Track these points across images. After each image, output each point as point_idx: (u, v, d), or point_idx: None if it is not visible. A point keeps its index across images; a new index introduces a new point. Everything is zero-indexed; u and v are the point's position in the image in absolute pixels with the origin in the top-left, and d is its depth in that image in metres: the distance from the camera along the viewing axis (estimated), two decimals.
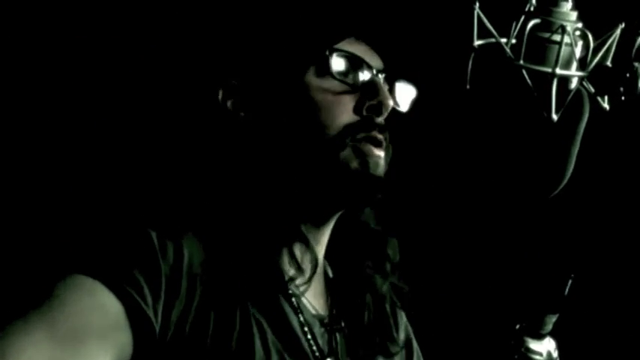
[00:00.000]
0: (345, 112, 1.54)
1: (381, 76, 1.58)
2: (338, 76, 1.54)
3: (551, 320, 1.50)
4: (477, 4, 1.33)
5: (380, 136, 1.55)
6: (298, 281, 1.54)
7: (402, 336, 1.71)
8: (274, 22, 1.60)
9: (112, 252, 1.41)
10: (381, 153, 1.55)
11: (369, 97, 1.55)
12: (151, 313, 1.38)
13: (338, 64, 1.55)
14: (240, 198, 1.53)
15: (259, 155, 1.54)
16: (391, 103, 1.55)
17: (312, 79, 1.56)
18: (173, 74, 2.10)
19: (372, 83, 1.56)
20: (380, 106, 1.55)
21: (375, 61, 1.59)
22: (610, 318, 2.24)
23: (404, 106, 1.61)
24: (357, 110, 1.55)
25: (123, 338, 1.37)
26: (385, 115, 1.55)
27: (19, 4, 2.18)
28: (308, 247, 1.57)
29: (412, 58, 1.63)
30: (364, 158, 1.53)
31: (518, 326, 1.52)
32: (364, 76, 1.56)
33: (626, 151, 2.23)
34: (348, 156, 1.53)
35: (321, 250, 1.61)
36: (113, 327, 1.37)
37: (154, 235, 1.42)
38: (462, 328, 2.41)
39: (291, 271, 1.54)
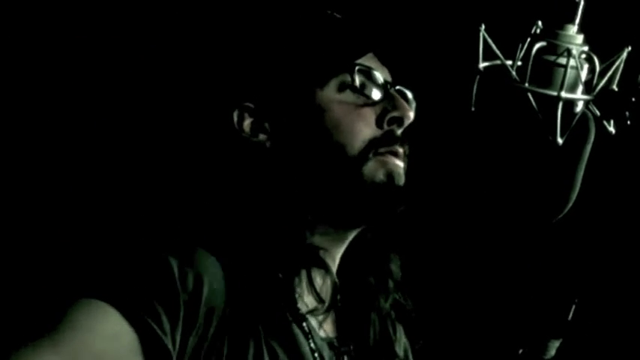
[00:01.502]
0: (367, 126, 1.54)
1: (396, 88, 1.58)
2: (359, 91, 1.54)
3: (554, 345, 1.50)
4: (483, 26, 1.33)
5: (401, 150, 1.55)
6: (319, 310, 1.53)
7: (402, 353, 1.71)
8: (290, 38, 1.59)
9: (130, 278, 1.39)
10: (401, 164, 1.55)
11: (390, 109, 1.55)
12: (168, 342, 1.37)
13: (359, 78, 1.55)
14: (258, 222, 1.52)
15: (280, 178, 1.53)
16: (412, 115, 1.56)
17: (331, 94, 1.55)
18: (188, 96, 2.10)
19: (391, 96, 1.56)
20: (402, 118, 1.55)
21: (387, 75, 1.60)
22: (614, 343, 2.24)
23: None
24: (378, 123, 1.55)
25: None
26: (406, 125, 1.56)
27: (19, 4, 2.19)
28: (328, 272, 1.56)
29: (418, 78, 1.63)
30: (389, 170, 1.53)
31: (520, 351, 1.51)
32: (381, 89, 1.57)
33: (632, 175, 2.23)
34: (372, 169, 1.53)
35: (335, 271, 1.60)
36: (129, 354, 1.35)
37: (174, 262, 1.40)
38: (466, 351, 2.40)
39: (309, 299, 1.53)
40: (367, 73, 1.56)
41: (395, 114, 1.55)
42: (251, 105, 1.56)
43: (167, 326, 1.36)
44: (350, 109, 1.54)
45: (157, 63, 2.25)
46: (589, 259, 2.10)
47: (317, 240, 1.55)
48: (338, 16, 1.61)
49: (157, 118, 2.25)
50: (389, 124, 1.55)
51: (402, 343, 1.72)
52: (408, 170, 1.59)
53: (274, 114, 1.56)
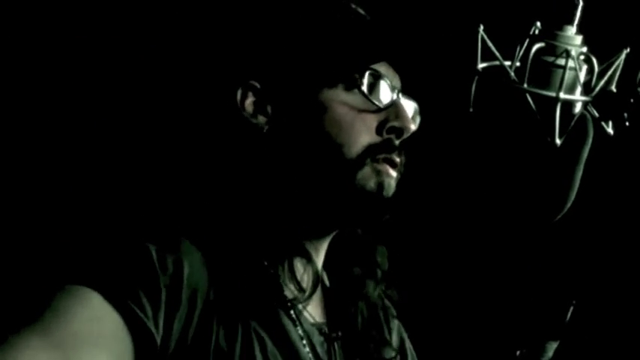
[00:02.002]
0: (367, 131, 1.54)
1: (401, 97, 1.58)
2: (365, 95, 1.54)
3: (552, 347, 1.50)
4: (482, 26, 1.34)
5: (397, 159, 1.55)
6: (299, 299, 1.53)
7: (395, 340, 1.71)
8: (312, 27, 1.58)
9: (110, 264, 1.41)
10: (394, 175, 1.55)
11: (392, 118, 1.55)
12: (151, 325, 1.38)
13: (368, 82, 1.55)
14: (245, 208, 1.52)
15: (272, 163, 1.53)
16: (413, 127, 1.56)
17: (337, 93, 1.55)
18: (184, 72, 2.08)
19: (396, 105, 1.56)
20: (402, 129, 1.55)
21: (397, 82, 1.59)
22: (611, 345, 2.24)
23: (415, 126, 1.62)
24: (378, 130, 1.54)
25: (121, 348, 1.37)
26: (405, 137, 1.55)
27: (19, 4, 2.18)
28: (310, 261, 1.57)
29: (417, 78, 1.63)
30: (380, 180, 1.53)
31: (518, 353, 1.51)
32: (387, 96, 1.56)
33: (631, 176, 2.23)
34: (366, 176, 1.52)
35: (320, 262, 1.61)
36: (111, 337, 1.37)
37: (152, 248, 1.42)
38: (463, 352, 2.41)
39: (291, 287, 1.54)
40: (377, 78, 1.56)
41: (396, 124, 1.55)
42: (257, 84, 1.55)
43: (149, 309, 1.38)
44: (353, 112, 1.54)
45: (155, 39, 2.25)
46: (587, 260, 2.10)
47: (301, 230, 1.56)
48: (362, 12, 1.61)
49: (143, 94, 2.24)
50: (388, 133, 1.54)
51: (395, 333, 1.73)
52: (408, 173, 1.59)
53: (278, 99, 1.55)
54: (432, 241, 2.34)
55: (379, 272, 1.65)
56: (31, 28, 2.19)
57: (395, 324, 1.73)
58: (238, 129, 1.54)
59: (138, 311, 1.37)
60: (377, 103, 1.54)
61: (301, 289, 1.54)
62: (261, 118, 1.55)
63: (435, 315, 2.37)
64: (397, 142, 1.55)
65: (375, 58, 1.57)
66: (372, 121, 1.54)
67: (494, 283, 2.31)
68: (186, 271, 1.43)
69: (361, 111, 1.54)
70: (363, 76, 1.54)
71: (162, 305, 1.40)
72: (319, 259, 1.60)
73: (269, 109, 1.55)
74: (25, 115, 2.21)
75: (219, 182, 1.53)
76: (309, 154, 1.53)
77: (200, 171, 1.55)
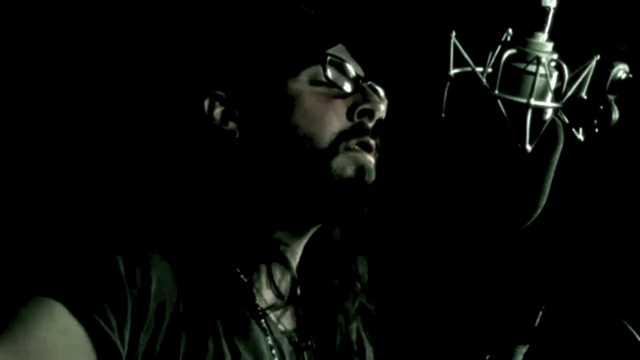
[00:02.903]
0: (337, 118, 1.54)
1: (367, 83, 1.58)
2: (331, 82, 1.54)
3: (521, 351, 1.50)
4: (454, 33, 1.34)
5: (372, 142, 1.54)
6: (276, 305, 1.53)
7: (370, 354, 1.71)
8: (264, 27, 1.59)
9: (77, 276, 1.41)
10: (372, 159, 1.55)
11: (360, 102, 1.55)
12: (116, 338, 1.38)
13: (331, 70, 1.55)
14: (217, 217, 1.52)
15: (246, 166, 1.53)
16: (383, 108, 1.56)
17: (302, 85, 1.55)
18: (154, 82, 2.08)
19: (362, 88, 1.56)
20: (372, 110, 1.55)
21: (359, 69, 1.60)
22: (580, 349, 2.25)
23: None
24: (349, 115, 1.54)
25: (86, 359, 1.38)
26: (377, 118, 1.55)
27: (19, 4, 2.17)
28: (287, 267, 1.56)
29: (389, 84, 1.63)
30: (359, 165, 1.53)
31: (488, 357, 1.51)
32: (351, 82, 1.56)
33: (600, 181, 2.24)
34: (342, 163, 1.52)
35: (295, 267, 1.60)
36: (75, 349, 1.37)
37: (120, 260, 1.42)
38: (434, 356, 2.41)
39: (267, 295, 1.54)
40: (339, 66, 1.56)
41: (366, 106, 1.54)
42: (222, 93, 1.56)
43: (114, 322, 1.38)
44: (320, 100, 1.54)
45: (127, 51, 2.24)
46: (557, 265, 2.12)
47: (277, 234, 1.55)
48: (311, 11, 1.61)
49: (112, 103, 2.24)
50: (359, 117, 1.54)
51: (369, 347, 1.72)
52: (379, 177, 1.59)
53: (245, 103, 1.55)
54: (404, 246, 2.34)
55: (359, 285, 1.64)
56: (29, 27, 2.18)
57: (368, 339, 1.72)
58: (208, 138, 1.54)
59: (103, 324, 1.38)
60: (344, 89, 1.54)
61: (280, 295, 1.54)
62: (232, 124, 1.55)
63: (407, 319, 2.38)
64: (370, 124, 1.55)
65: (328, 42, 1.57)
66: (341, 107, 1.54)
67: (465, 287, 2.32)
68: (154, 283, 1.43)
69: (329, 99, 1.54)
70: (324, 64, 1.54)
71: (129, 318, 1.40)
72: (295, 264, 1.59)
73: (237, 114, 1.55)
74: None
75: (190, 192, 1.53)
76: (283, 149, 1.53)
77: (170, 181, 1.55)
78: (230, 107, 1.55)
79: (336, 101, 1.54)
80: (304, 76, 1.55)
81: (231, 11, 1.64)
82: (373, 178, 1.54)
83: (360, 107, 1.54)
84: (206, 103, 1.55)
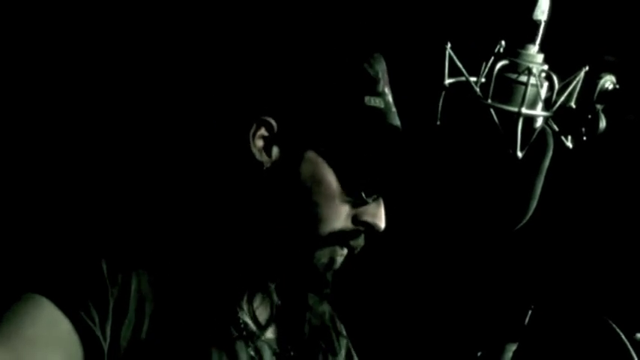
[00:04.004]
0: (345, 217, 1.55)
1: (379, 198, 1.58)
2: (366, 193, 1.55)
3: (511, 349, 1.51)
4: (449, 44, 1.35)
5: (357, 248, 1.57)
6: (257, 334, 1.57)
7: (343, 351, 1.74)
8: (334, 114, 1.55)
9: (64, 275, 1.46)
10: (345, 255, 1.57)
11: (369, 213, 1.55)
12: (98, 332, 1.44)
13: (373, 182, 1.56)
14: (216, 229, 1.54)
15: (260, 199, 1.53)
16: (383, 227, 1.57)
17: (342, 176, 1.54)
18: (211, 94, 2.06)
19: (377, 204, 1.57)
20: (374, 227, 1.56)
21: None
22: (568, 348, 2.25)
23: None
24: (354, 220, 1.55)
25: (72, 351, 1.43)
26: (375, 232, 1.57)
27: (19, 4, 2.17)
28: (268, 295, 1.61)
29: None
30: (332, 259, 1.56)
31: (479, 354, 1.52)
32: (373, 192, 1.56)
33: (588, 187, 2.25)
34: (322, 253, 1.55)
35: (274, 291, 1.64)
36: (63, 340, 1.43)
37: (103, 262, 1.47)
38: (426, 353, 2.42)
39: (248, 321, 1.58)
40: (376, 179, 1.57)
41: (371, 221, 1.56)
42: (273, 123, 1.54)
43: (96, 317, 1.44)
44: (341, 193, 1.54)
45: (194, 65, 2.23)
46: (546, 267, 2.12)
47: (260, 269, 1.58)
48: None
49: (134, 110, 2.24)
50: (361, 225, 1.56)
51: (344, 344, 1.75)
52: None
53: (286, 146, 1.54)
54: (399, 246, 2.34)
55: (327, 290, 1.63)
56: (33, 28, 2.17)
57: (344, 343, 1.75)
58: (241, 159, 1.54)
59: (87, 319, 1.44)
60: (364, 196, 1.55)
61: (259, 326, 1.58)
62: (265, 157, 1.53)
63: (399, 317, 2.38)
64: (363, 235, 1.56)
65: (384, 167, 1.56)
66: (352, 208, 1.55)
67: (458, 287, 2.32)
68: (133, 284, 1.48)
69: (349, 198, 1.54)
70: (369, 174, 1.54)
71: (110, 315, 1.46)
72: (274, 287, 1.63)
73: (275, 151, 1.54)
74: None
75: (197, 203, 1.55)
76: (293, 209, 1.53)
77: (181, 188, 1.57)
78: (273, 139, 1.53)
79: (352, 203, 1.55)
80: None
81: (317, 52, 1.60)
82: (338, 266, 1.57)
83: (365, 219, 1.55)
84: (254, 125, 1.54)
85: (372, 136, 1.54)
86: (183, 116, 2.08)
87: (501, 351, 1.51)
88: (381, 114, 1.55)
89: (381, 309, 1.75)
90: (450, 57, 1.35)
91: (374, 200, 1.57)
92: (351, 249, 1.57)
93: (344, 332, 1.77)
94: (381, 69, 1.58)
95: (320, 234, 1.54)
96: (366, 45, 1.60)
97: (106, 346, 1.45)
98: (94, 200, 2.14)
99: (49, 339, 1.43)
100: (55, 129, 2.24)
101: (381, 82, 1.56)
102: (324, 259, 1.55)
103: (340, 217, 1.54)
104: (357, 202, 1.55)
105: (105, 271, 1.47)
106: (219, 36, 2.25)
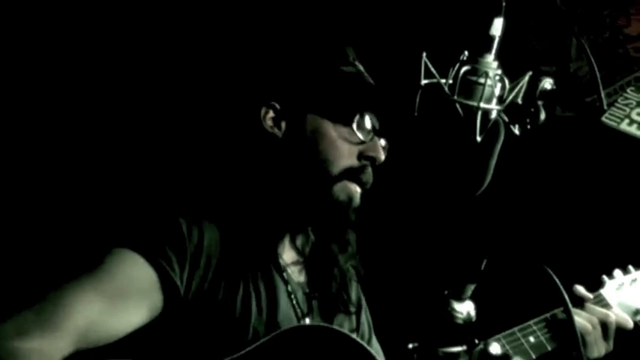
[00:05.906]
0: (349, 156, 1.61)
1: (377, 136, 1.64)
2: (354, 130, 1.62)
3: (470, 288, 1.55)
4: (425, 53, 1.39)
5: (365, 180, 1.64)
6: (297, 261, 1.64)
7: (355, 298, 1.79)
8: (325, 77, 1.63)
9: (149, 233, 1.49)
10: (359, 190, 1.63)
11: (370, 149, 1.62)
12: (177, 280, 1.47)
13: (357, 121, 1.62)
14: (257, 195, 1.60)
15: (280, 162, 1.61)
16: (382, 158, 1.63)
17: (336, 124, 1.62)
18: (224, 87, 2.05)
19: (374, 141, 1.63)
20: (375, 159, 1.63)
21: (376, 122, 1.66)
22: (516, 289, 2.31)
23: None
24: (358, 157, 1.62)
25: (156, 297, 1.46)
26: (377, 164, 1.63)
27: (19, 4, 2.08)
28: (308, 239, 1.67)
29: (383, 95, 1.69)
30: (350, 195, 1.61)
31: (446, 292, 1.55)
32: (367, 133, 1.63)
33: (531, 164, 2.30)
34: (339, 189, 1.60)
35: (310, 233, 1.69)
36: (149, 289, 1.45)
37: (183, 222, 1.51)
38: (404, 293, 2.47)
39: (288, 255, 1.63)
40: (363, 119, 1.64)
41: (372, 154, 1.62)
42: (277, 106, 1.61)
43: (177, 268, 1.48)
44: (342, 139, 1.61)
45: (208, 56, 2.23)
46: (498, 226, 2.17)
47: (294, 214, 1.64)
48: (362, 69, 1.66)
49: (181, 102, 2.25)
50: (365, 160, 1.63)
51: (355, 293, 1.81)
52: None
53: (292, 119, 1.62)
54: (385, 215, 2.40)
55: (350, 249, 1.72)
56: (42, 27, 2.13)
57: (354, 286, 1.81)
58: (258, 136, 1.61)
59: (168, 269, 1.47)
60: (361, 137, 1.62)
61: (302, 254, 1.65)
62: (277, 130, 1.61)
63: (384, 268, 2.43)
64: (370, 168, 1.63)
65: (365, 107, 1.63)
66: (355, 149, 1.62)
67: (429, 241, 2.35)
68: (206, 242, 1.51)
69: (349, 140, 1.62)
70: (355, 115, 1.62)
71: (187, 266, 1.49)
72: (311, 234, 1.68)
73: (283, 124, 1.62)
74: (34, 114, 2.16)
75: (238, 176, 1.60)
76: (307, 160, 1.61)
77: (227, 167, 1.62)
78: (279, 117, 1.62)
79: (353, 144, 1.62)
80: (339, 118, 1.62)
81: (303, 50, 1.67)
82: (358, 203, 1.63)
83: (368, 154, 1.62)
84: (263, 109, 1.62)
85: (350, 88, 1.62)
86: (209, 114, 2.07)
87: (463, 289, 1.54)
88: (355, 75, 1.64)
89: (375, 259, 1.82)
90: (426, 63, 1.38)
91: (370, 139, 1.62)
92: (362, 184, 1.62)
93: (355, 283, 1.81)
94: (352, 52, 1.66)
95: (332, 173, 1.60)
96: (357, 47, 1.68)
97: (182, 292, 1.47)
98: (166, 177, 2.16)
99: (136, 288, 1.44)
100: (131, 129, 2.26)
101: (352, 57, 1.65)
102: (343, 196, 1.60)
103: (344, 155, 1.60)
104: (355, 142, 1.61)
105: (184, 230, 1.49)
106: (231, 43, 2.28)
